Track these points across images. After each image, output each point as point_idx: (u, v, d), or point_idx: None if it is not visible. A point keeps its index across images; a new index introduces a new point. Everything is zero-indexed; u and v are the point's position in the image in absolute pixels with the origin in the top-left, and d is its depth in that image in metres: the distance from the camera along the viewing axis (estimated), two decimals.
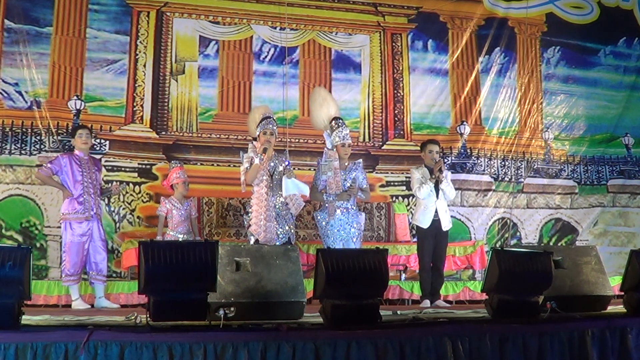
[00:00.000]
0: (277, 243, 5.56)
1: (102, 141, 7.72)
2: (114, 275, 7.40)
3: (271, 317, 3.98)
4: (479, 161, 8.90)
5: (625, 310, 4.59)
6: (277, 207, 5.69)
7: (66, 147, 7.30)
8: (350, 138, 6.04)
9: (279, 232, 5.64)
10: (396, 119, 8.72)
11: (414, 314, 4.55)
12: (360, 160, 6.22)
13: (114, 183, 6.35)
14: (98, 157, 7.57)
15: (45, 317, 4.31)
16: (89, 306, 6.15)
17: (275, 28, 8.44)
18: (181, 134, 8.03)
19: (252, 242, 5.61)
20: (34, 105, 7.50)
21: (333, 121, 6.00)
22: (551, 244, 8.79)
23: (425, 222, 6.31)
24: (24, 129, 7.47)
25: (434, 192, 6.29)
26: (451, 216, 6.74)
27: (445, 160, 8.48)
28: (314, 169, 6.32)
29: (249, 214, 5.71)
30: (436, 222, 6.29)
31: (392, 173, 8.59)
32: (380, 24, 8.82)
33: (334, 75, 8.61)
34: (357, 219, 5.95)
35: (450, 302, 6.92)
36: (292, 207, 5.74)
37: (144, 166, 7.81)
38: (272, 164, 5.75)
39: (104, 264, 6.22)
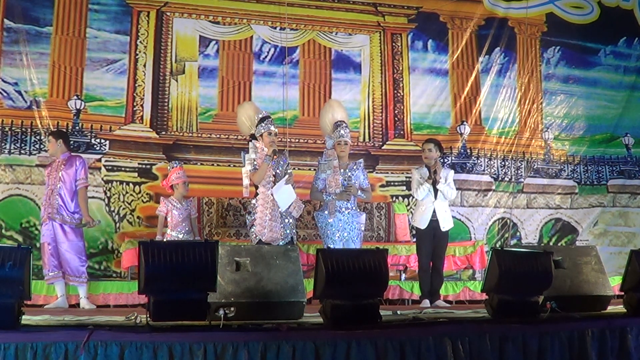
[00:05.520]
0: (281, 243, 5.56)
1: (102, 141, 7.71)
2: (114, 275, 7.41)
3: (271, 317, 3.98)
4: (479, 161, 8.90)
5: (625, 310, 4.59)
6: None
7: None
8: (349, 137, 6.04)
9: (282, 232, 5.64)
10: (396, 119, 8.72)
11: (414, 314, 4.55)
12: (362, 160, 6.23)
13: (95, 221, 6.40)
14: (98, 156, 7.63)
15: (45, 317, 4.31)
16: (68, 306, 6.13)
17: (275, 28, 8.44)
18: (181, 134, 8.02)
19: (255, 241, 5.60)
20: (33, 105, 7.50)
21: (335, 123, 6.02)
22: (551, 244, 8.79)
23: (422, 223, 6.31)
24: (23, 129, 7.47)
25: (431, 192, 6.28)
26: (452, 216, 6.73)
27: (446, 160, 8.48)
28: (314, 169, 6.32)
29: (251, 214, 5.71)
30: (434, 223, 6.29)
31: (392, 173, 8.59)
32: (380, 24, 8.82)
33: (334, 75, 8.60)
34: (357, 219, 5.96)
35: (450, 302, 6.92)
36: (294, 210, 5.74)
37: (144, 166, 7.80)
38: (275, 165, 5.74)
39: (75, 265, 6.12)
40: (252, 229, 5.67)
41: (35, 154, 7.45)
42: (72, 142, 6.97)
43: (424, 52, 8.93)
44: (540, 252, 4.38)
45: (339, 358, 3.54)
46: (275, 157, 5.64)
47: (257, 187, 5.72)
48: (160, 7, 8.13)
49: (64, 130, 7.36)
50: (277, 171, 5.75)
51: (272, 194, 5.62)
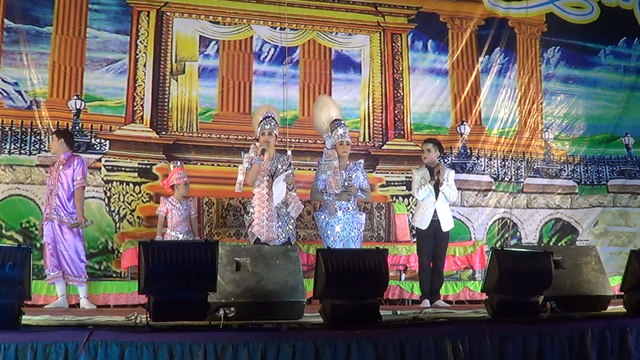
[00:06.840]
0: (278, 243, 5.55)
1: (102, 141, 7.71)
2: (114, 275, 7.41)
3: (271, 317, 3.98)
4: (479, 161, 8.90)
5: (625, 310, 4.59)
6: (277, 206, 5.68)
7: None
8: (349, 137, 6.04)
9: (279, 232, 5.64)
10: (396, 119, 8.72)
11: (414, 314, 4.55)
12: (362, 160, 6.22)
13: (88, 221, 6.37)
14: (98, 156, 7.63)
15: (45, 317, 4.31)
16: (68, 306, 6.13)
17: (275, 28, 8.44)
18: (181, 134, 8.02)
19: (252, 241, 5.60)
20: (33, 105, 7.49)
21: (333, 122, 6.02)
22: (551, 244, 8.78)
23: (423, 224, 6.32)
24: (23, 129, 7.46)
25: (433, 193, 6.29)
26: (452, 216, 6.73)
27: (446, 160, 8.47)
28: (314, 169, 6.32)
29: (250, 214, 5.71)
30: (435, 223, 6.30)
31: (392, 173, 8.59)
32: (380, 24, 8.82)
33: (334, 75, 8.60)
34: (357, 219, 5.96)
35: (450, 302, 6.92)
36: (292, 210, 5.72)
37: (144, 166, 7.80)
38: (274, 165, 5.72)
39: (75, 264, 6.12)
40: (250, 229, 5.66)
41: (35, 154, 7.45)
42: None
43: (424, 52, 8.93)
44: (540, 252, 4.38)
45: (339, 358, 3.54)
46: (262, 156, 5.61)
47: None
48: (160, 7, 8.12)
49: (68, 129, 7.35)
50: (277, 167, 5.70)
51: (267, 193, 5.61)
